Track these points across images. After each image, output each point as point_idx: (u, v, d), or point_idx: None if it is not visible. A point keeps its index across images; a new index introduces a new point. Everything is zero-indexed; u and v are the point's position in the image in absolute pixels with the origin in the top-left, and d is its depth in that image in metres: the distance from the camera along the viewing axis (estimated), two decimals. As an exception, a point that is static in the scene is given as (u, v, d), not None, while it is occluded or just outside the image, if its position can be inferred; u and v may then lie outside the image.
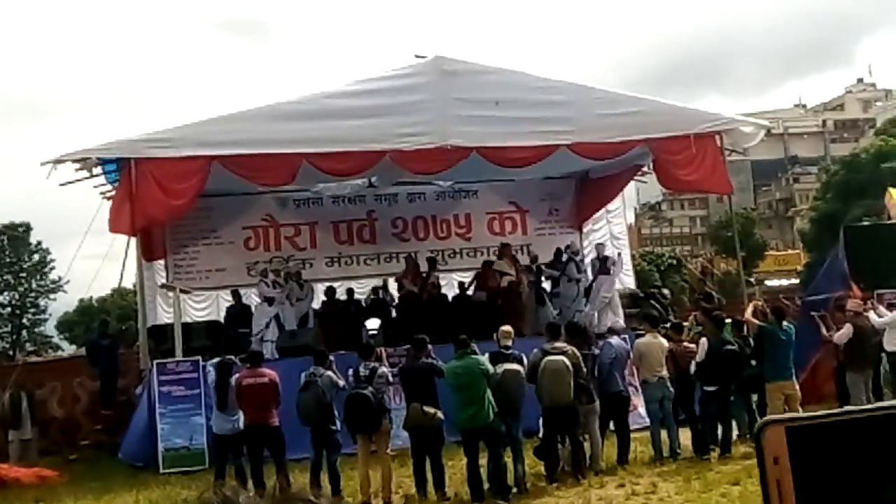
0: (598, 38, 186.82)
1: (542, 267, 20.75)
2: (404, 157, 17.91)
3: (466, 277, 21.34)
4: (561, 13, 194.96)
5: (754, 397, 14.55)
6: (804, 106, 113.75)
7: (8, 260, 61.98)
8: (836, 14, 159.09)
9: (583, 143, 18.55)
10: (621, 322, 18.18)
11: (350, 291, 20.90)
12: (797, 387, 13.79)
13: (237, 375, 13.09)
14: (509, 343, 12.77)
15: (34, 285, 62.59)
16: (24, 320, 62.11)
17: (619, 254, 21.14)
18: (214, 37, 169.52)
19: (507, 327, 13.15)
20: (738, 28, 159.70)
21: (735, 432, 14.06)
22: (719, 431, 13.84)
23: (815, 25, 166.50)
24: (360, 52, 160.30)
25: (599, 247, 21.55)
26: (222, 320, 20.36)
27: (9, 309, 61.81)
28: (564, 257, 20.65)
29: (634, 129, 18.64)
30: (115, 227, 17.72)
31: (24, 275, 62.32)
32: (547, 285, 20.77)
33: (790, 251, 74.63)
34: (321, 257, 22.42)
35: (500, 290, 19.61)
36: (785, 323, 14.00)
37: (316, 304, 20.52)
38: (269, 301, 19.19)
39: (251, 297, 20.36)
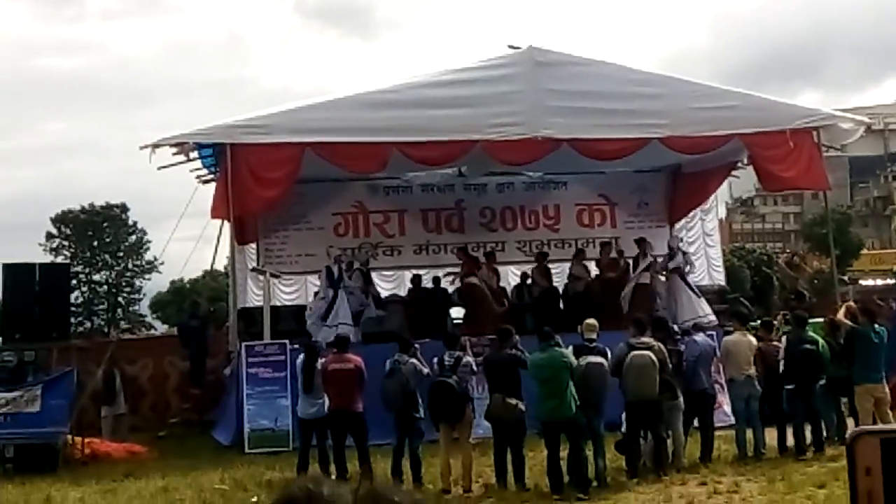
0: (691, 29, 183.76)
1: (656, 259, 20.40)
2: (495, 147, 17.89)
3: (555, 268, 21.35)
4: (654, 3, 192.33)
5: (844, 399, 14.27)
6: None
7: (107, 240, 63.60)
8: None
9: (676, 136, 18.30)
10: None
11: (436, 280, 21.00)
12: (887, 390, 13.48)
13: (323, 360, 13.27)
14: (593, 336, 12.70)
15: (130, 265, 64.16)
16: (120, 299, 63.69)
17: (686, 254, 20.50)
18: (308, 24, 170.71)
19: (591, 320, 13.08)
20: (837, 21, 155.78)
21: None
22: (808, 432, 13.62)
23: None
24: (454, 43, 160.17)
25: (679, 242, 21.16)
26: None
27: (105, 287, 63.47)
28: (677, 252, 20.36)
29: (729, 123, 18.34)
30: (216, 213, 18.07)
31: (121, 254, 63.91)
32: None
33: (887, 250, 72.68)
34: (409, 245, 22.48)
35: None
36: (877, 325, 13.71)
37: (402, 291, 20.84)
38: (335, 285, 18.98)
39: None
